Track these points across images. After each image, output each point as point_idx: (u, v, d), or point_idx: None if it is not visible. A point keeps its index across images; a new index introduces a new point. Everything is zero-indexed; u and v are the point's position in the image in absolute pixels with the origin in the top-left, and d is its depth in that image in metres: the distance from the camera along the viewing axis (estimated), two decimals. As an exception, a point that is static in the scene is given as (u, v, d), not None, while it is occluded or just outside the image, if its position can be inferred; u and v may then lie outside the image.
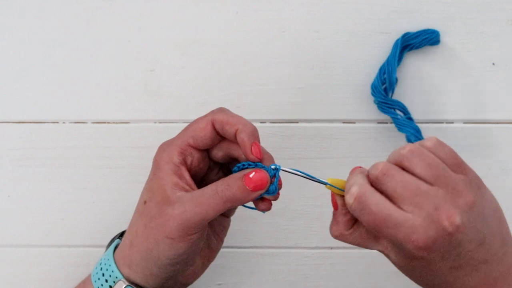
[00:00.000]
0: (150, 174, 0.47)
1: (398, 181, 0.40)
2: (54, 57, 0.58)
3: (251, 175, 0.44)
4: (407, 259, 0.41)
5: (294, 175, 0.45)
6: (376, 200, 0.40)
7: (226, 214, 0.50)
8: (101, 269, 0.47)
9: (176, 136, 0.47)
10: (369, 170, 0.42)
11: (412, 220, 0.39)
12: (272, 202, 0.46)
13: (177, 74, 0.58)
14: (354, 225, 0.44)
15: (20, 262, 0.60)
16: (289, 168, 0.45)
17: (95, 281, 0.47)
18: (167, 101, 0.59)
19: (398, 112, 0.56)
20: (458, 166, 0.41)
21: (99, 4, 0.58)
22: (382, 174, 0.40)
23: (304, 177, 0.45)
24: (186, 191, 0.44)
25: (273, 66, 0.58)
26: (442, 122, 0.58)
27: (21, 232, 0.60)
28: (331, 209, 0.45)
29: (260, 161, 0.45)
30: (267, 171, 0.44)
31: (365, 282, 0.60)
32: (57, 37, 0.58)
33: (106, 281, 0.46)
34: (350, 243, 0.44)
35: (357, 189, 0.40)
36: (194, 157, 0.46)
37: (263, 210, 0.46)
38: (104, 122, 0.59)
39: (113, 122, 0.59)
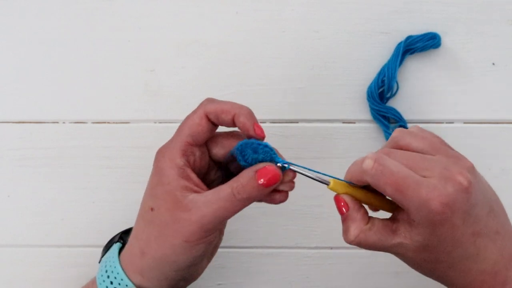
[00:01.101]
0: (153, 181, 0.46)
1: (401, 156, 0.41)
2: (54, 57, 0.58)
3: (262, 171, 0.43)
4: (430, 229, 0.40)
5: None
6: (394, 162, 0.40)
7: None
8: (108, 277, 0.46)
9: (173, 138, 0.46)
10: (369, 156, 0.42)
11: (429, 181, 0.39)
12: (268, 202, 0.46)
13: (177, 74, 0.58)
14: (370, 219, 0.44)
15: (20, 262, 0.60)
16: (297, 167, 0.45)
17: None
18: (167, 101, 0.59)
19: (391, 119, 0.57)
20: (445, 143, 0.43)
21: (99, 4, 0.58)
22: (384, 155, 0.41)
23: (308, 176, 0.45)
24: (196, 192, 0.44)
25: (273, 66, 0.58)
26: (442, 122, 0.58)
27: (21, 232, 0.60)
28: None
29: (263, 139, 0.45)
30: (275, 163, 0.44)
31: (365, 282, 0.60)
32: (57, 37, 0.58)
33: None
34: (369, 243, 0.43)
35: (373, 155, 0.41)
36: (196, 155, 0.46)
37: (280, 202, 0.46)
38: (104, 122, 0.59)
39: (113, 122, 0.59)
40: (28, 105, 0.59)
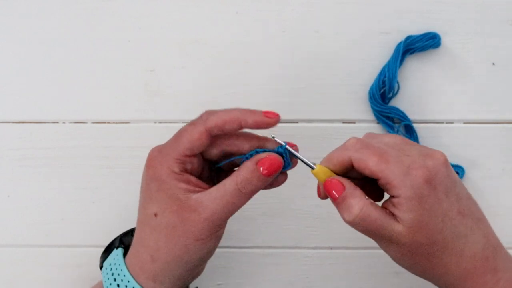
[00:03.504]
0: (151, 187, 0.45)
1: (377, 145, 0.42)
2: (54, 57, 0.58)
3: (263, 161, 0.44)
4: (417, 201, 0.40)
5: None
6: (375, 141, 0.43)
7: None
8: (118, 285, 0.45)
9: (170, 146, 0.45)
10: (342, 146, 0.44)
11: (409, 157, 0.41)
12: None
13: (177, 74, 0.58)
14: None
15: (20, 262, 0.60)
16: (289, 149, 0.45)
17: None
18: (167, 101, 0.59)
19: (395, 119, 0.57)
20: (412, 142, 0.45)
21: (99, 4, 0.58)
22: (357, 147, 0.43)
23: (298, 158, 0.45)
24: (197, 191, 0.44)
25: (273, 66, 0.58)
26: (442, 122, 0.58)
27: (21, 232, 0.60)
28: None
29: (279, 119, 0.45)
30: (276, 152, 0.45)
31: (365, 282, 0.60)
32: (57, 37, 0.58)
33: None
34: (372, 218, 0.41)
35: (354, 138, 0.43)
36: (193, 163, 0.46)
37: (282, 182, 0.47)
38: (104, 122, 0.59)
39: (113, 122, 0.59)
40: (28, 105, 0.59)
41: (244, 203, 0.44)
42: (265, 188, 0.46)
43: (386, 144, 0.43)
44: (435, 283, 0.44)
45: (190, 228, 0.44)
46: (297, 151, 0.45)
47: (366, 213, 0.41)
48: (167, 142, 0.46)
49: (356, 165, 0.42)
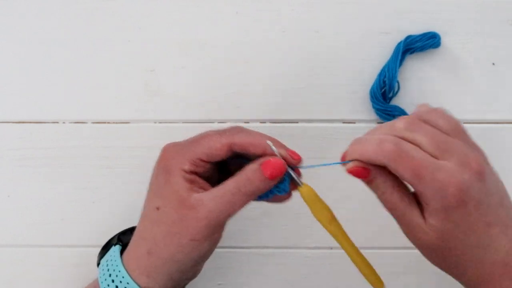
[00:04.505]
0: (159, 181, 0.45)
1: (427, 132, 0.41)
2: (54, 57, 0.58)
3: (267, 163, 0.44)
4: (445, 213, 0.40)
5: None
6: (413, 147, 0.41)
7: None
8: (113, 281, 0.45)
9: (187, 146, 0.46)
10: (390, 127, 0.42)
11: (447, 166, 0.40)
12: (271, 202, 0.46)
13: (177, 74, 0.58)
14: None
15: (20, 262, 0.60)
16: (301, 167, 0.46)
17: None
18: (167, 101, 0.59)
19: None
20: (466, 131, 0.44)
21: (99, 4, 0.58)
22: (407, 127, 0.42)
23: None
24: (202, 192, 0.44)
25: (273, 66, 0.58)
26: (442, 122, 0.58)
27: (21, 232, 0.60)
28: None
29: (299, 163, 0.46)
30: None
31: (365, 282, 0.60)
32: (57, 37, 0.58)
33: None
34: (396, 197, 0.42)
35: (392, 138, 0.41)
36: (205, 167, 0.46)
37: (283, 200, 0.47)
38: (104, 122, 0.59)
39: (113, 122, 0.59)
40: (28, 105, 0.59)
41: (243, 205, 0.44)
42: (268, 200, 0.46)
43: (440, 129, 0.42)
44: (452, 277, 0.45)
45: (186, 226, 0.43)
46: (300, 161, 0.45)
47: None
48: (185, 141, 0.46)
49: (392, 171, 0.42)
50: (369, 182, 0.43)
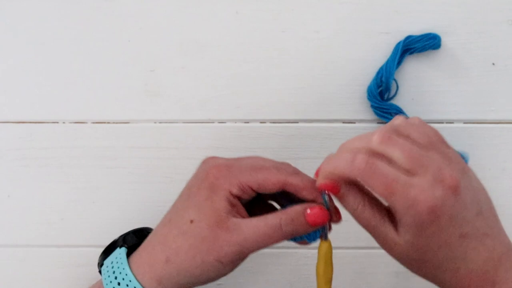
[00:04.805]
0: (201, 194, 0.45)
1: (401, 146, 0.41)
2: (54, 57, 0.58)
3: (313, 209, 0.44)
4: (417, 229, 0.40)
5: None
6: (386, 163, 0.40)
7: None
8: (119, 284, 0.45)
9: (241, 171, 0.45)
10: (367, 141, 0.42)
11: (419, 182, 0.39)
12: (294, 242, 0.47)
13: (177, 74, 0.58)
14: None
15: (20, 262, 0.60)
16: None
17: None
18: (167, 101, 0.59)
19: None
20: (443, 140, 0.43)
21: (99, 4, 0.58)
22: (382, 141, 0.41)
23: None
24: (239, 217, 0.44)
25: (273, 66, 0.58)
26: (442, 122, 0.58)
27: (21, 232, 0.60)
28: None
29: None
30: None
31: (364, 282, 0.60)
32: (57, 37, 0.58)
33: None
34: (366, 216, 0.42)
35: (365, 154, 0.40)
36: (250, 195, 0.46)
37: (302, 244, 0.47)
38: (104, 122, 0.59)
39: (113, 122, 0.59)
40: (28, 105, 0.59)
41: (276, 242, 0.44)
42: (294, 241, 0.46)
43: (416, 141, 0.42)
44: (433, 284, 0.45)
45: (216, 246, 0.43)
46: (339, 222, 0.46)
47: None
48: (236, 161, 0.46)
49: (364, 185, 0.41)
50: (340, 198, 0.43)
